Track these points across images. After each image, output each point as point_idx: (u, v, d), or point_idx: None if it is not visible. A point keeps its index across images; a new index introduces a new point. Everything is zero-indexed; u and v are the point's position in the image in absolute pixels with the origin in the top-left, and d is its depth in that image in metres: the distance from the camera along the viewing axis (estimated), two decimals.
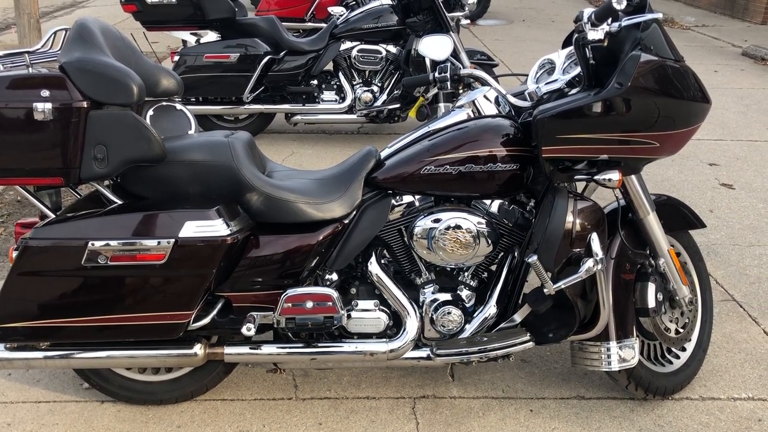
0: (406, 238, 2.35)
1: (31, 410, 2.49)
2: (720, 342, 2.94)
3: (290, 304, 2.26)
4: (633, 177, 2.33)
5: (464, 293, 2.39)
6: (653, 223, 2.40)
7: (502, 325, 2.39)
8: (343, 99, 5.19)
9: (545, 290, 2.24)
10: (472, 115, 2.38)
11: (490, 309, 2.37)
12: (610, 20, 2.15)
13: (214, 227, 2.08)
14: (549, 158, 2.21)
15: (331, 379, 2.68)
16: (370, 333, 2.38)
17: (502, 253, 2.40)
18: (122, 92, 2.02)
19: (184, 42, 5.22)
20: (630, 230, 2.43)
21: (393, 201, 2.33)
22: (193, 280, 2.13)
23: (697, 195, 4.47)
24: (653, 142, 2.19)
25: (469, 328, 2.37)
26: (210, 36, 5.15)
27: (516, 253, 2.37)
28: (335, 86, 5.25)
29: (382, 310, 2.38)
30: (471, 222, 2.28)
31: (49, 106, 1.97)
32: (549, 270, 2.22)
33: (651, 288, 2.41)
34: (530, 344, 2.37)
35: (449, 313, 2.35)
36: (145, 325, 2.16)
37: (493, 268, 2.44)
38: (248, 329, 2.25)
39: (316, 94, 5.21)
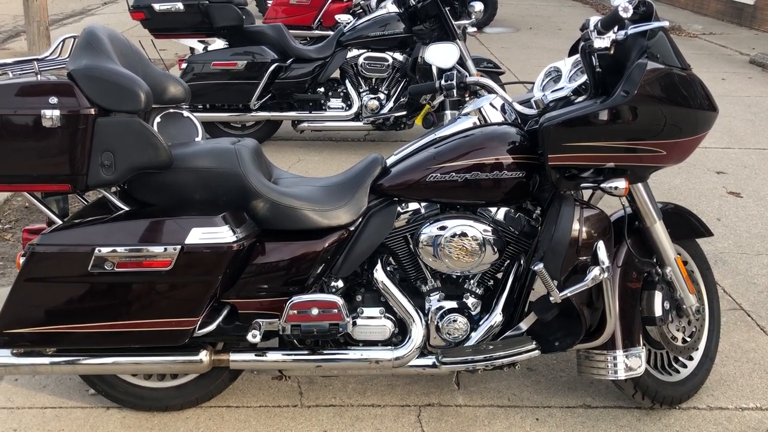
0: (411, 246, 2.35)
1: (36, 416, 2.50)
2: (728, 351, 2.92)
3: (296, 311, 2.26)
4: (640, 185, 2.33)
5: (470, 301, 2.38)
6: (660, 231, 2.39)
7: (507, 333, 2.39)
8: (350, 106, 5.20)
9: (551, 298, 2.24)
10: (478, 123, 2.38)
11: (496, 317, 2.36)
12: (616, 28, 2.15)
13: (220, 234, 2.09)
14: (555, 166, 2.20)
15: (336, 386, 2.68)
16: (376, 340, 2.38)
17: (508, 261, 2.40)
18: (130, 99, 2.03)
19: (192, 49, 5.25)
20: (637, 239, 2.43)
21: (399, 208, 2.33)
22: (199, 286, 2.14)
23: (705, 203, 4.46)
24: (660, 151, 2.18)
25: (475, 336, 2.37)
26: (217, 43, 5.18)
27: (522, 261, 2.36)
28: (342, 94, 5.27)
29: (388, 318, 2.38)
30: (477, 229, 2.28)
31: (57, 113, 1.98)
32: (555, 278, 2.21)
33: (658, 296, 2.40)
34: (536, 352, 2.36)
35: (455, 320, 2.35)
36: (151, 331, 2.17)
37: (499, 275, 2.44)
38: (253, 336, 2.25)
39: (322, 101, 5.23)
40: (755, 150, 5.50)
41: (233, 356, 2.33)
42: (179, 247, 2.07)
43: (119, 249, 2.06)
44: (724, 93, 7.01)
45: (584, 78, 2.26)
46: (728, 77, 7.84)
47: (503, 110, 2.43)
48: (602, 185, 2.23)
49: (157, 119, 2.44)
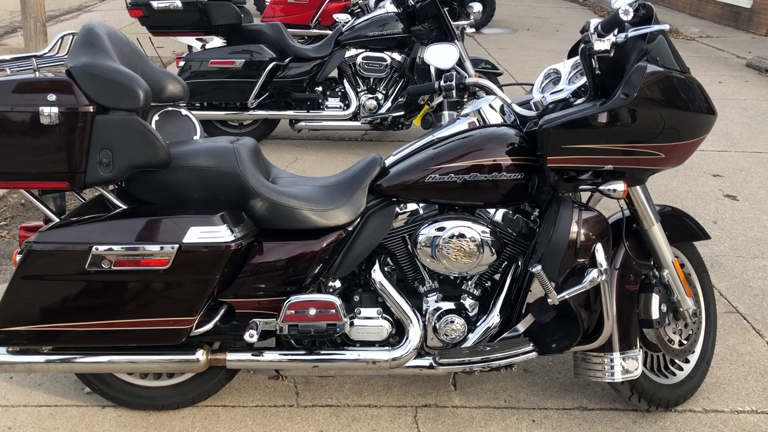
0: (409, 246, 2.35)
1: (32, 414, 2.49)
2: (723, 354, 2.92)
3: (293, 311, 2.26)
4: (638, 188, 2.33)
5: (467, 302, 2.38)
6: (658, 234, 2.40)
7: (505, 335, 2.39)
8: (348, 106, 5.20)
9: (549, 300, 2.23)
10: (477, 124, 2.38)
11: (494, 318, 2.36)
12: (616, 31, 2.15)
13: (218, 233, 2.08)
14: (554, 168, 2.20)
15: (333, 386, 2.68)
16: (373, 341, 2.38)
17: (505, 263, 2.40)
18: (129, 97, 2.02)
19: (190, 47, 5.24)
20: (634, 241, 2.43)
21: (397, 209, 2.33)
22: (197, 285, 2.13)
23: (701, 206, 4.47)
24: (658, 153, 2.18)
25: (472, 338, 2.37)
26: (215, 42, 5.17)
27: (520, 263, 2.37)
28: (340, 93, 5.26)
29: (385, 318, 2.37)
30: (475, 231, 2.28)
31: (55, 110, 1.97)
32: (553, 280, 2.21)
33: (655, 299, 2.40)
34: (533, 354, 2.36)
35: (452, 321, 2.35)
36: (148, 330, 2.16)
37: (497, 277, 2.44)
38: (251, 336, 2.24)
39: (320, 100, 5.23)
40: (751, 153, 5.51)
41: (230, 356, 2.32)
42: (177, 246, 2.07)
43: (116, 247, 2.06)
44: (720, 96, 7.03)
45: (584, 80, 2.27)
46: (725, 80, 7.86)
47: (502, 112, 2.43)
48: (601, 187, 2.23)
49: (156, 117, 2.44)
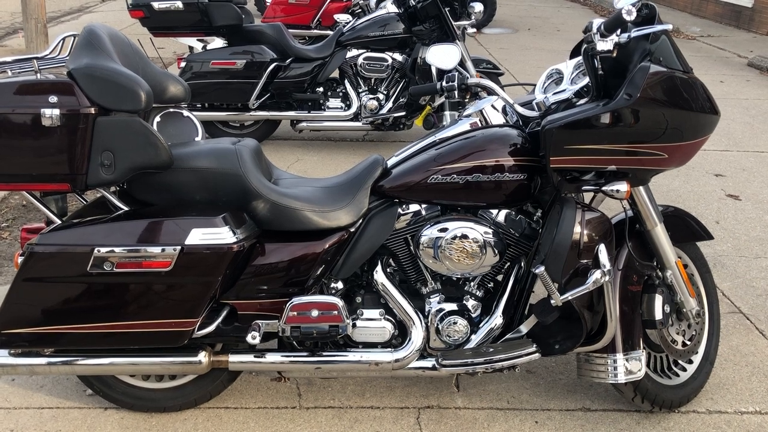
0: (412, 247, 2.34)
1: (34, 416, 2.48)
2: (727, 355, 2.92)
3: (295, 313, 2.25)
4: (641, 188, 2.32)
5: (470, 303, 2.38)
6: (661, 234, 2.39)
7: (508, 336, 2.38)
8: (349, 106, 5.19)
9: (552, 301, 2.23)
10: (480, 125, 2.38)
11: (496, 319, 2.35)
12: (619, 31, 2.14)
13: (220, 235, 2.08)
14: (557, 168, 2.20)
15: (336, 388, 2.67)
16: (375, 342, 2.38)
17: (508, 264, 2.39)
18: (130, 99, 2.02)
19: (191, 48, 5.24)
20: (637, 242, 2.42)
21: (399, 210, 2.33)
22: (199, 287, 2.12)
23: (703, 206, 4.46)
24: (662, 154, 2.17)
25: (475, 339, 2.36)
26: (216, 42, 5.17)
27: (523, 264, 2.36)
28: (341, 93, 5.26)
29: (388, 320, 2.37)
30: (477, 232, 2.27)
31: (56, 111, 1.97)
32: (556, 281, 2.20)
33: (658, 300, 2.40)
34: (536, 355, 2.35)
35: (455, 323, 2.34)
36: (150, 332, 2.15)
37: (500, 278, 2.43)
38: (253, 337, 2.24)
39: (321, 101, 5.22)
40: (753, 153, 5.51)
41: (232, 357, 2.32)
42: (179, 247, 2.06)
43: (118, 249, 2.05)
44: (722, 96, 7.02)
45: (586, 80, 2.26)
46: (726, 80, 7.85)
47: (504, 112, 2.43)
48: (604, 188, 2.22)
49: (157, 119, 2.43)
